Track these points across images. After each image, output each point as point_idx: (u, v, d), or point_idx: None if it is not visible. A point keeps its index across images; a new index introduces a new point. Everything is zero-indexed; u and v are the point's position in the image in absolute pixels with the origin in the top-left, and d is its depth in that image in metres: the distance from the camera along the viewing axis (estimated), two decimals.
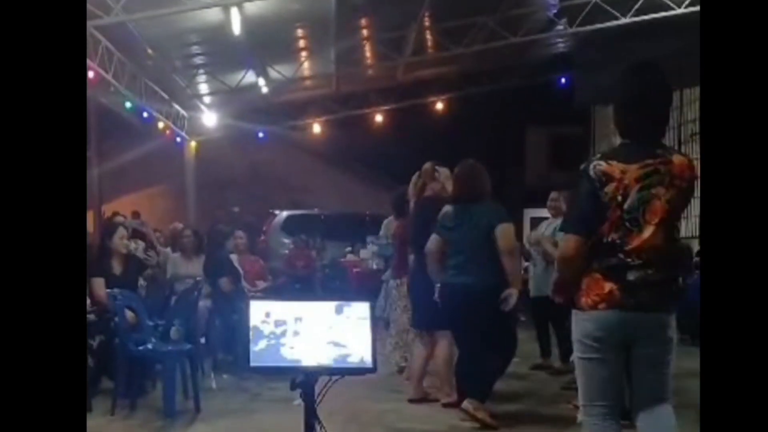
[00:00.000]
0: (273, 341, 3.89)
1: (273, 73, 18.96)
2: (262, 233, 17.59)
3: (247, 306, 3.99)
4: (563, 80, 21.98)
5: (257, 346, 3.90)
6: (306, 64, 19.35)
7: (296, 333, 3.88)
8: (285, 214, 18.36)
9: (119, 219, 12.33)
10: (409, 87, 21.75)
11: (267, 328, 3.90)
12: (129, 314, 7.28)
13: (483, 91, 22.16)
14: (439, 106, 22.27)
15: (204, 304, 8.68)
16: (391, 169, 20.38)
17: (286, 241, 16.95)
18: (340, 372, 3.94)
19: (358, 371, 3.93)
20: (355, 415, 6.81)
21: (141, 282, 8.62)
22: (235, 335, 8.84)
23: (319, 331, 3.87)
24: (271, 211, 18.65)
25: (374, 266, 14.30)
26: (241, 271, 9.81)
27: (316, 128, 22.42)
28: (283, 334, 3.89)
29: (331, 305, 3.90)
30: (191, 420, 6.85)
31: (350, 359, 3.87)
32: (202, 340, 8.26)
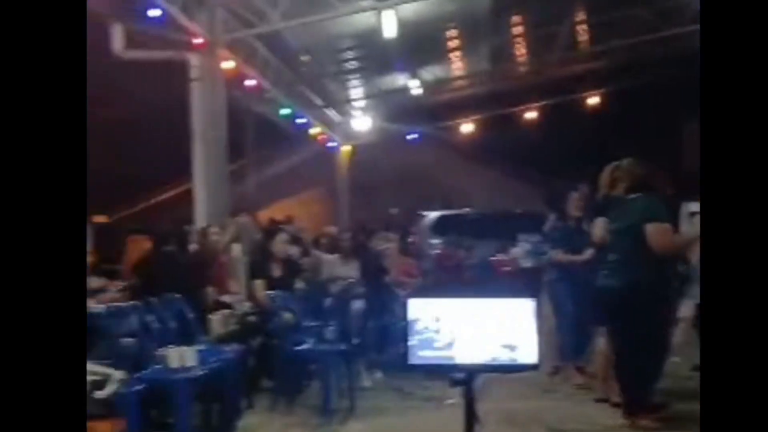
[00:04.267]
0: (431, 338, 3.84)
1: (425, 74, 19.11)
2: (412, 235, 17.76)
3: (405, 304, 4.00)
4: None
5: (416, 344, 3.84)
6: (458, 64, 19.41)
7: (455, 330, 3.82)
8: (435, 215, 18.45)
9: (281, 226, 12.76)
10: (562, 82, 21.43)
11: (425, 326, 3.84)
12: (287, 315, 7.55)
13: (637, 84, 21.61)
14: (593, 101, 21.84)
15: (357, 305, 8.88)
16: (543, 167, 20.23)
17: (436, 242, 17.03)
18: (502, 369, 3.88)
19: (522, 368, 3.84)
20: (511, 415, 6.78)
21: (298, 284, 8.89)
22: (387, 335, 9.03)
23: (480, 328, 3.80)
24: (419, 212, 18.79)
25: (526, 264, 14.18)
26: (393, 271, 9.98)
27: (467, 127, 22.43)
28: (442, 331, 3.83)
29: (492, 302, 3.84)
30: (346, 418, 7.01)
31: (512, 356, 3.78)
32: (356, 341, 8.44)
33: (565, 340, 8.21)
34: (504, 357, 3.79)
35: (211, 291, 8.25)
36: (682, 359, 7.99)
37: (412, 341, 3.83)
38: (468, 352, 3.82)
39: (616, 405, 6.85)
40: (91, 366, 5.26)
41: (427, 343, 3.85)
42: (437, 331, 3.84)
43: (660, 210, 6.31)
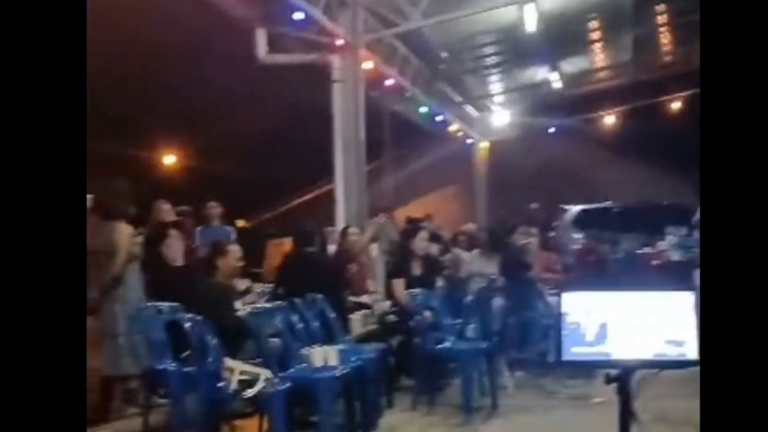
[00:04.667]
0: (584, 334, 3.71)
1: (566, 67, 18.84)
2: (553, 229, 17.53)
3: (549, 300, 3.94)
4: None
5: (568, 340, 3.72)
6: (600, 56, 19.06)
7: (610, 325, 3.68)
8: (577, 209, 18.15)
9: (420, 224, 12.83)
10: None
11: (578, 320, 3.72)
12: (427, 314, 7.59)
13: None
14: None
15: (498, 302, 8.82)
16: (689, 158, 19.58)
17: (577, 236, 16.76)
18: (663, 365, 3.73)
19: (684, 364, 3.65)
20: (664, 414, 6.55)
21: (438, 282, 8.92)
22: (529, 332, 8.95)
23: (637, 323, 3.66)
24: (561, 206, 18.51)
25: (674, 257, 13.83)
26: (535, 267, 9.87)
27: (610, 119, 22.02)
28: (596, 326, 3.70)
29: (650, 295, 3.70)
30: (488, 417, 7.02)
31: (672, 352, 3.62)
32: (497, 338, 8.39)
33: None
34: (667, 353, 3.62)
35: (350, 291, 8.36)
36: None
37: (565, 337, 3.72)
38: (624, 348, 3.67)
39: None
40: (241, 365, 5.44)
41: (580, 339, 3.71)
42: (591, 326, 3.70)
43: None
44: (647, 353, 3.62)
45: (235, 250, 6.79)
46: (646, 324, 3.62)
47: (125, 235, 6.69)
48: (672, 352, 3.61)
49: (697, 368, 7.47)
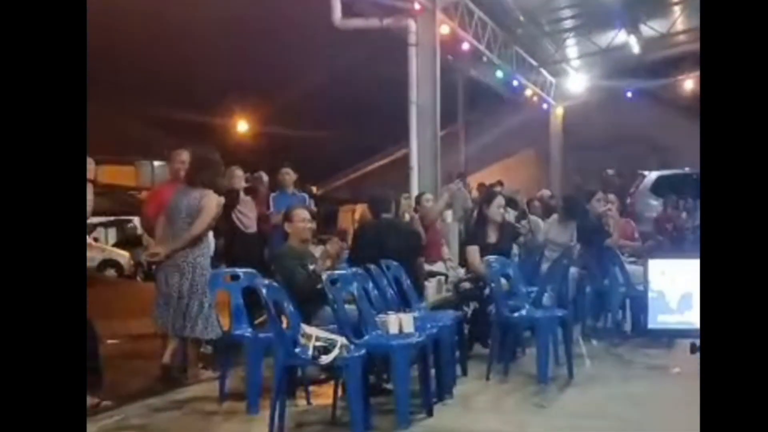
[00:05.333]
0: (670, 302, 3.71)
1: (645, 30, 18.44)
2: (629, 195, 17.23)
3: (620, 266, 3.85)
4: None
5: (654, 307, 3.72)
6: (680, 18, 18.60)
7: (694, 294, 3.61)
8: (654, 174, 17.78)
9: (495, 189, 12.72)
10: None
11: (665, 288, 3.71)
12: (503, 281, 7.52)
13: None
14: None
15: (575, 270, 8.71)
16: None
17: (655, 203, 16.44)
18: None
19: None
20: None
21: (514, 249, 8.84)
22: (606, 301, 8.83)
23: None
24: (639, 172, 18.17)
25: None
26: (614, 234, 9.70)
27: (689, 84, 21.51)
28: (680, 294, 3.69)
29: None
30: (564, 386, 6.92)
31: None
32: (572, 307, 8.28)
33: None
34: None
35: (425, 258, 8.34)
36: None
37: (652, 305, 3.71)
38: None
39: None
40: (317, 332, 5.46)
41: (665, 307, 3.72)
42: (675, 295, 3.70)
43: None
44: None
45: (301, 214, 6.81)
46: None
47: (214, 202, 6.74)
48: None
49: None
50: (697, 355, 3.52)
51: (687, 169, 18.23)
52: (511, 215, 9.89)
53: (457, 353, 7.03)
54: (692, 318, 3.62)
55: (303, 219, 6.77)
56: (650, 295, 3.71)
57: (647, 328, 3.74)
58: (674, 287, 3.66)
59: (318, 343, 5.34)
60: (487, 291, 7.63)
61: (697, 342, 3.51)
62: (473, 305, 7.86)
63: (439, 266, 8.55)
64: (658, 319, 3.70)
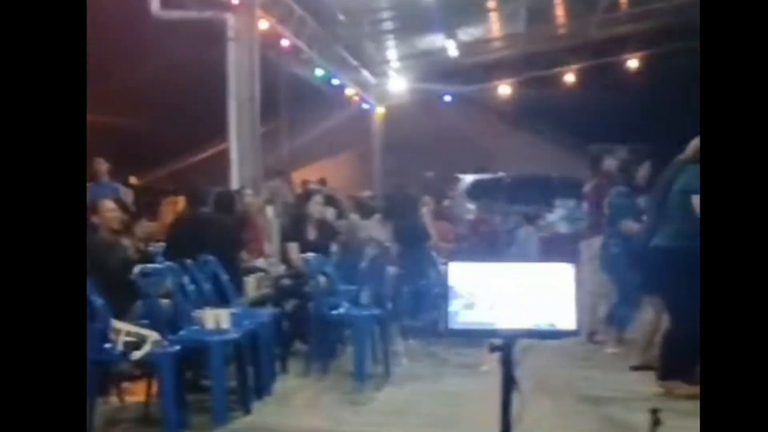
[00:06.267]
0: (471, 304, 3.78)
1: (462, 35, 18.91)
2: (447, 198, 17.62)
3: (442, 269, 3.97)
4: None
5: (456, 309, 3.79)
6: (495, 25, 19.20)
7: (495, 295, 3.77)
8: (470, 178, 18.25)
9: (314, 186, 12.71)
10: (602, 45, 20.95)
11: (464, 290, 3.79)
12: (322, 279, 7.50)
13: (679, 48, 21.12)
14: (632, 64, 21.33)
15: (392, 269, 8.80)
16: (581, 130, 19.97)
17: (471, 206, 16.89)
18: (541, 336, 3.83)
19: (561, 335, 3.81)
20: (545, 383, 6.67)
21: (333, 248, 8.84)
22: (422, 301, 8.96)
23: (518, 294, 3.76)
24: (456, 175, 18.62)
25: (562, 230, 14.08)
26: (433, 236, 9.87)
27: (504, 90, 22.21)
28: (482, 296, 3.78)
29: (530, 266, 3.85)
30: (381, 384, 6.99)
31: (552, 322, 3.74)
32: (390, 306, 8.38)
33: (617, 310, 8.15)
34: (542, 323, 3.74)
35: (245, 253, 8.20)
36: None
37: (453, 306, 3.79)
38: (507, 318, 3.77)
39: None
40: (127, 326, 5.25)
41: (467, 309, 3.80)
42: (477, 297, 3.79)
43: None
44: (529, 323, 3.73)
45: (108, 205, 6.58)
46: (528, 295, 3.74)
47: None
48: (552, 323, 3.73)
49: (577, 339, 7.65)
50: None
51: (501, 174, 18.85)
52: (331, 213, 9.89)
53: (277, 350, 6.97)
54: (491, 319, 3.76)
55: (109, 209, 6.58)
56: (452, 296, 3.87)
57: (447, 329, 3.86)
58: (475, 290, 3.83)
59: (128, 339, 5.14)
60: (306, 288, 7.60)
61: (497, 341, 3.71)
62: (293, 302, 7.81)
63: (259, 262, 8.43)
64: (459, 320, 3.85)
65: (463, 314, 3.82)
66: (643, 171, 8.01)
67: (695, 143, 6.44)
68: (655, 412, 4.20)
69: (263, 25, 13.13)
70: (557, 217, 14.95)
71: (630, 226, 7.78)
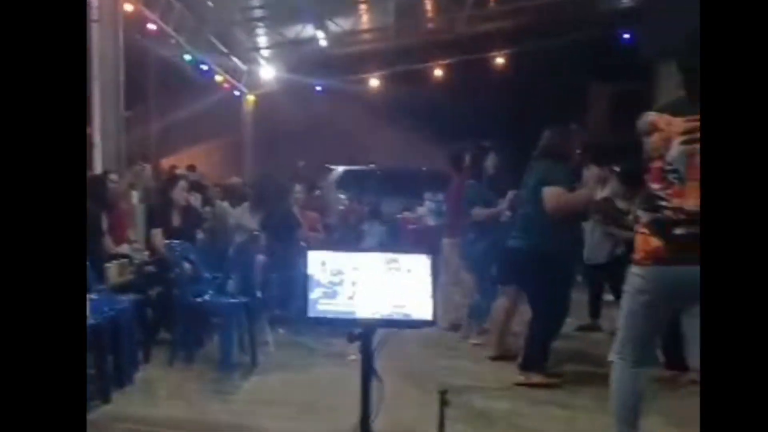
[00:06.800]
0: (332, 292, 3.86)
1: (332, 26, 18.87)
2: (317, 188, 17.56)
3: (305, 256, 3.94)
4: (627, 35, 21.32)
5: (315, 296, 3.87)
6: (365, 17, 19.22)
7: (354, 284, 3.84)
8: (341, 169, 18.24)
9: (180, 172, 12.43)
10: (469, 41, 21.22)
11: (324, 279, 3.86)
12: (187, 266, 7.32)
13: (544, 45, 21.63)
14: (500, 60, 21.70)
15: (261, 258, 8.67)
16: (448, 125, 20.19)
17: (342, 197, 16.87)
18: (398, 325, 3.89)
19: (417, 324, 3.90)
20: (409, 372, 6.74)
21: (199, 235, 8.66)
22: (291, 290, 8.86)
23: (377, 283, 3.81)
24: (327, 166, 18.56)
25: (431, 223, 14.20)
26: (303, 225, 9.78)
27: (374, 82, 22.29)
28: (341, 284, 3.85)
29: (389, 257, 3.85)
30: (247, 373, 6.89)
31: (409, 312, 3.81)
32: (258, 294, 8.27)
33: (476, 300, 8.27)
34: (400, 313, 3.82)
35: (108, 239, 7.92)
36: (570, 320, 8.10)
37: (313, 294, 3.86)
38: (366, 307, 3.84)
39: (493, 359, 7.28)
40: None
41: (328, 297, 3.88)
42: (338, 285, 3.87)
43: (556, 174, 6.39)
44: (387, 312, 3.81)
45: None
46: (387, 284, 3.82)
47: None
48: (408, 313, 3.82)
49: (443, 330, 7.76)
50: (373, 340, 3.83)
51: (371, 165, 18.90)
52: (197, 200, 9.67)
53: (141, 338, 6.77)
54: (351, 308, 3.83)
55: None
56: (311, 285, 3.89)
57: (307, 317, 3.88)
58: (335, 278, 3.91)
59: None
60: (171, 275, 7.40)
61: (356, 331, 3.81)
62: (158, 289, 7.58)
63: (123, 248, 8.15)
64: (319, 308, 3.87)
65: (323, 303, 3.88)
66: (490, 162, 8.17)
67: (546, 136, 6.64)
68: (443, 393, 4.26)
69: (127, 7, 12.78)
70: (427, 210, 15.07)
71: (478, 212, 7.96)
